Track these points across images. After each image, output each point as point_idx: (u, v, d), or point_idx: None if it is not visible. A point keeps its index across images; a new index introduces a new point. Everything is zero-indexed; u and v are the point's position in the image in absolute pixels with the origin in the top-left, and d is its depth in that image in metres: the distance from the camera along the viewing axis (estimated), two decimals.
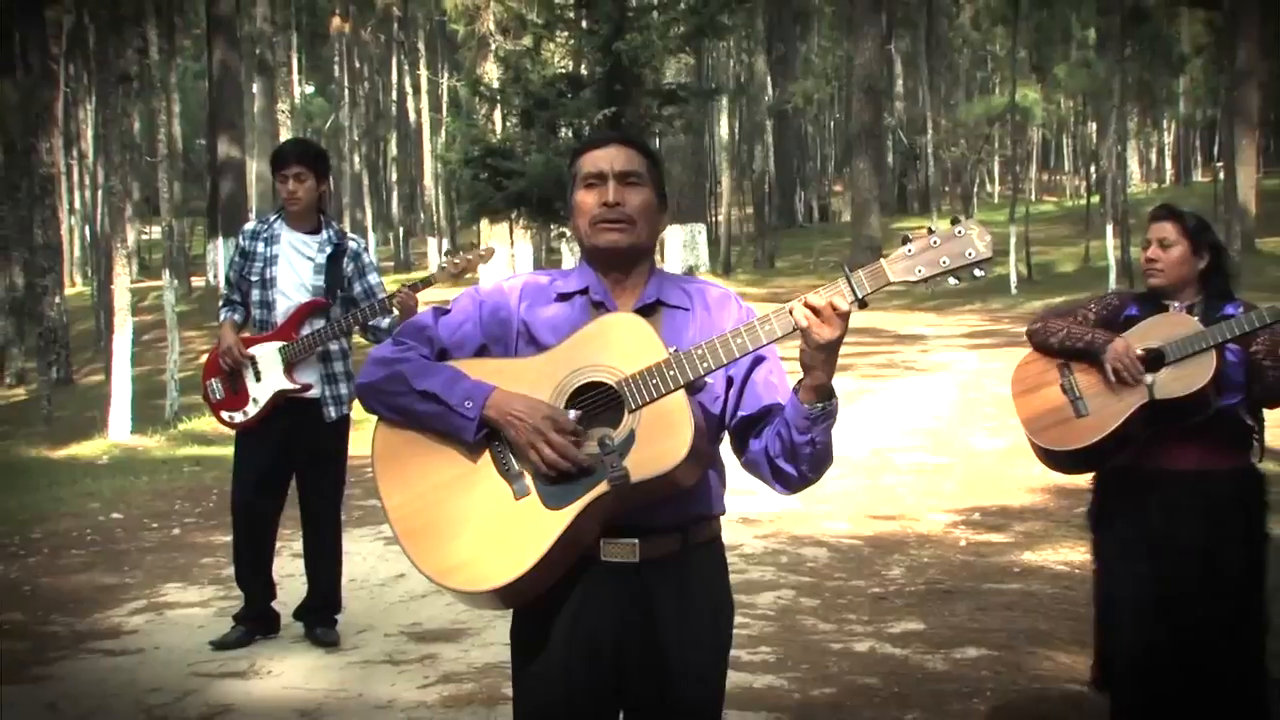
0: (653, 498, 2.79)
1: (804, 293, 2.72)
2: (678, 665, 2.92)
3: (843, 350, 2.79)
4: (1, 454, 16.45)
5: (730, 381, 2.94)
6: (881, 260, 2.72)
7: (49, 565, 8.40)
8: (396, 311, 6.18)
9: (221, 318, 6.52)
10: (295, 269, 6.35)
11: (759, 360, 2.92)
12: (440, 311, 3.05)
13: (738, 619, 6.36)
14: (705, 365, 2.75)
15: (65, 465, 13.81)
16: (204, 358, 6.76)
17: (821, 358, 2.72)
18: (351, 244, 6.50)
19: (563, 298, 2.99)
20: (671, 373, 2.75)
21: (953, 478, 10.48)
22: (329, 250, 6.39)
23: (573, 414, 2.79)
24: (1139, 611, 4.29)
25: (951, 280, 2.70)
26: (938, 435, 12.30)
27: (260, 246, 6.37)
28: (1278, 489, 4.71)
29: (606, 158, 2.97)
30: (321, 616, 6.51)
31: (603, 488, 2.74)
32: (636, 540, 2.87)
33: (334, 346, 6.34)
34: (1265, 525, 4.42)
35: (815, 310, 2.68)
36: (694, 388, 2.81)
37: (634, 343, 2.81)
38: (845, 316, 2.69)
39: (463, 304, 3.03)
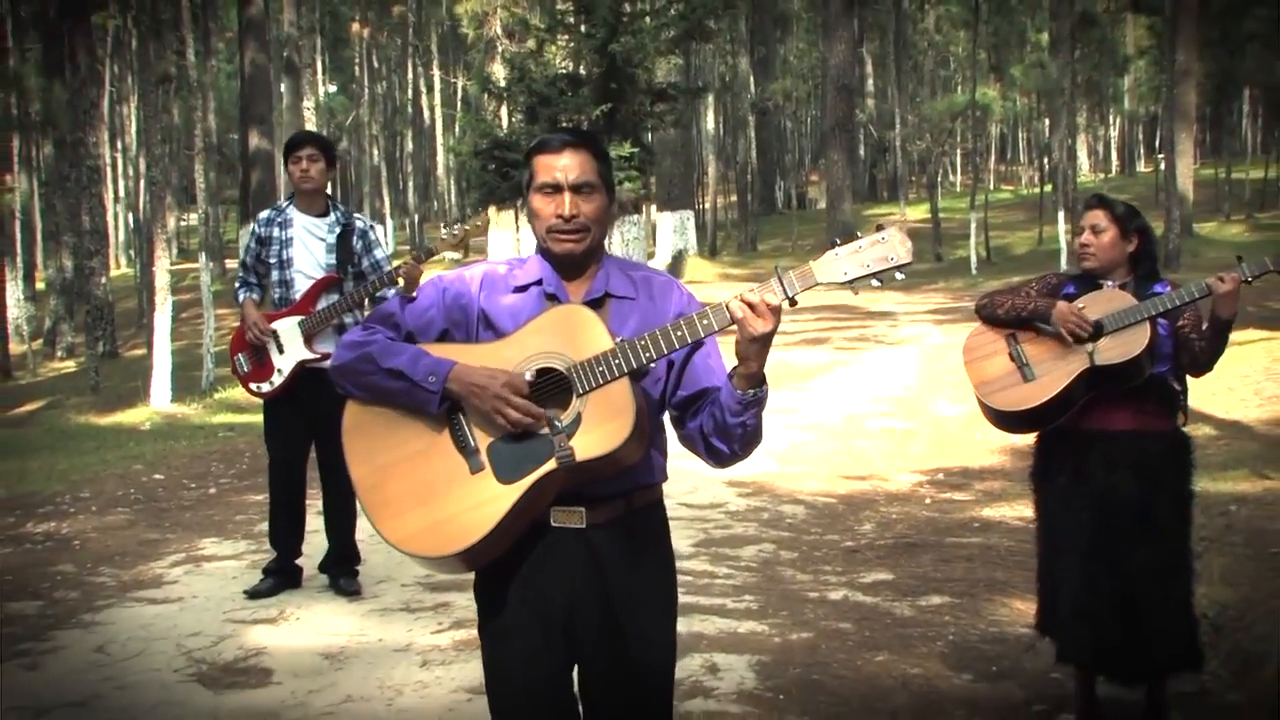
0: (598, 474, 2.79)
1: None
2: (628, 620, 2.92)
3: (819, 324, 2.80)
4: (54, 421, 16.43)
5: (670, 365, 2.93)
6: (810, 263, 2.73)
7: (97, 521, 8.39)
8: (402, 281, 6.14)
9: (240, 298, 6.49)
10: (310, 249, 6.34)
11: (697, 345, 2.89)
12: (407, 299, 3.00)
13: (722, 570, 6.41)
14: (648, 355, 2.75)
15: (111, 431, 13.79)
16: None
17: (755, 349, 2.71)
18: (359, 223, 6.50)
19: (519, 289, 2.95)
20: (616, 361, 2.74)
21: (919, 441, 10.48)
22: (338, 230, 6.39)
23: (528, 374, 2.79)
24: (1082, 558, 4.33)
25: (874, 281, 2.71)
26: (905, 403, 12.30)
27: (276, 231, 6.37)
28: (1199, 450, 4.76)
29: (563, 169, 2.89)
30: (344, 568, 6.53)
31: (551, 465, 2.74)
32: (583, 508, 2.86)
33: (348, 319, 6.32)
34: (1191, 482, 4.48)
35: (751, 306, 2.68)
36: (638, 374, 2.80)
37: (583, 332, 2.80)
38: (777, 312, 2.69)
39: (428, 291, 2.99)
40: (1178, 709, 4.52)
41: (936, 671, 5.15)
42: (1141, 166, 53.17)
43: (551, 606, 2.89)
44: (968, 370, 4.53)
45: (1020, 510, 7.91)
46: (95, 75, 28.96)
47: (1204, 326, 4.36)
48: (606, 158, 3.02)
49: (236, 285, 6.59)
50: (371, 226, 6.58)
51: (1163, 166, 31.60)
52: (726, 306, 2.72)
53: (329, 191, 6.54)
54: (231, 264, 39.48)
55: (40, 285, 36.32)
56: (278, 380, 6.32)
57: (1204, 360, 4.37)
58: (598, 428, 2.74)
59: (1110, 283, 4.44)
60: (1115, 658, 4.33)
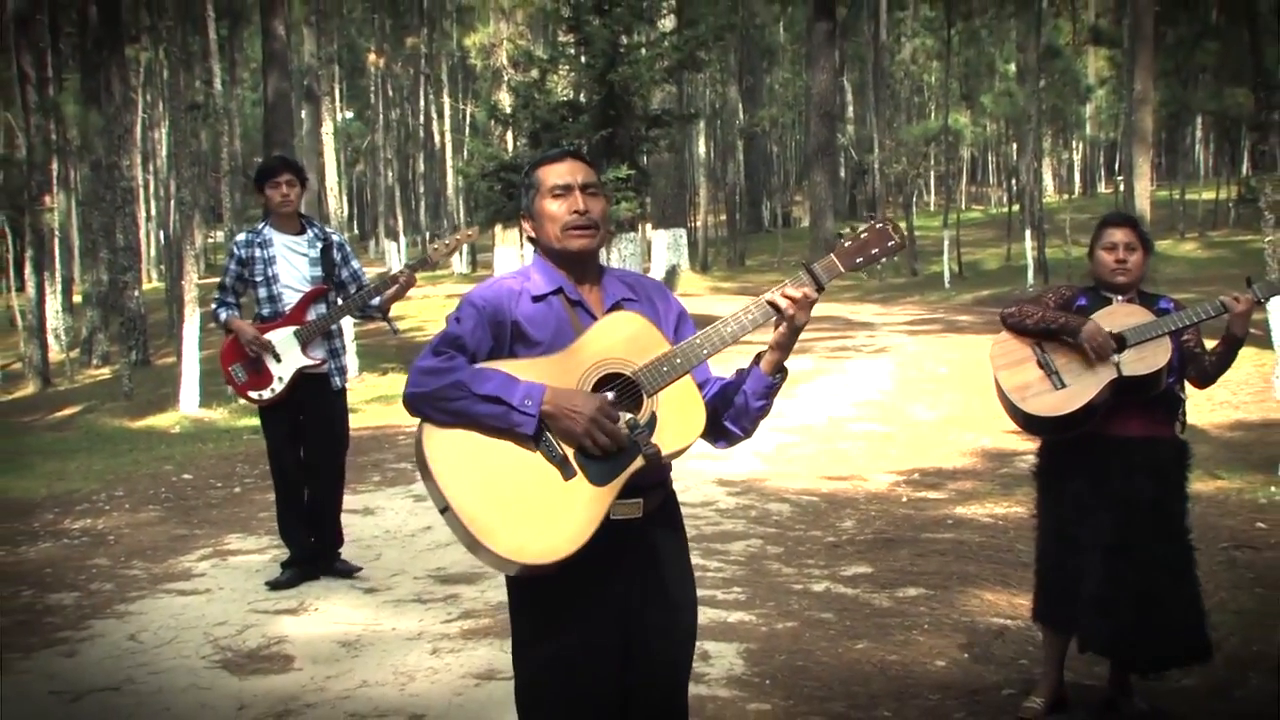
0: (666, 466, 2.82)
1: (770, 285, 2.77)
2: (677, 593, 2.98)
3: (803, 335, 2.85)
4: (90, 424, 16.41)
5: None
6: (831, 255, 2.88)
7: (130, 518, 8.39)
8: (395, 288, 6.25)
9: (223, 316, 6.47)
10: (293, 265, 6.41)
11: None
12: (456, 321, 2.92)
13: (713, 564, 6.41)
14: (705, 352, 2.81)
15: (143, 434, 13.79)
16: None
17: (793, 338, 2.84)
18: (335, 237, 6.58)
19: (537, 298, 2.92)
20: (679, 361, 2.79)
21: (896, 444, 10.48)
22: (319, 245, 6.45)
23: (610, 395, 2.79)
24: (1104, 555, 4.27)
25: (878, 265, 2.87)
26: (884, 407, 12.29)
27: (257, 252, 6.40)
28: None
29: (569, 171, 2.95)
30: (332, 555, 6.62)
31: (639, 463, 2.75)
32: (641, 499, 2.87)
33: (333, 326, 6.41)
34: (1189, 485, 4.50)
35: (793, 300, 2.79)
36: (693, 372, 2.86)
37: (639, 338, 2.83)
38: (813, 304, 2.81)
39: (469, 311, 2.91)
40: (1138, 692, 4.52)
41: (912, 658, 5.15)
42: (1102, 188, 53.11)
43: (609, 597, 2.88)
44: (998, 375, 4.46)
45: (990, 509, 7.92)
46: (129, 103, 28.96)
47: (1207, 343, 4.39)
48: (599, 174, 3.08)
49: (214, 306, 6.54)
50: (344, 240, 6.65)
51: (1122, 188, 31.62)
52: (769, 302, 2.82)
53: (301, 210, 6.62)
54: None
55: (78, 298, 36.24)
56: (279, 387, 6.36)
57: (1213, 373, 4.41)
58: (675, 424, 2.78)
59: (1120, 297, 4.43)
60: (1132, 649, 4.30)
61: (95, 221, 28.69)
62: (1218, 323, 4.39)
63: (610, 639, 2.89)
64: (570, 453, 2.77)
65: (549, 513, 2.75)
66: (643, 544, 2.91)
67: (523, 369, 2.82)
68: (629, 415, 2.77)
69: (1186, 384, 4.48)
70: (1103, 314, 4.37)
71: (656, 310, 3.01)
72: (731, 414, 2.91)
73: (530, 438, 2.76)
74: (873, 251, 2.87)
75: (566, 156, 3.00)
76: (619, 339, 2.83)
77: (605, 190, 3.04)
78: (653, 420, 2.77)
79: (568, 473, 2.76)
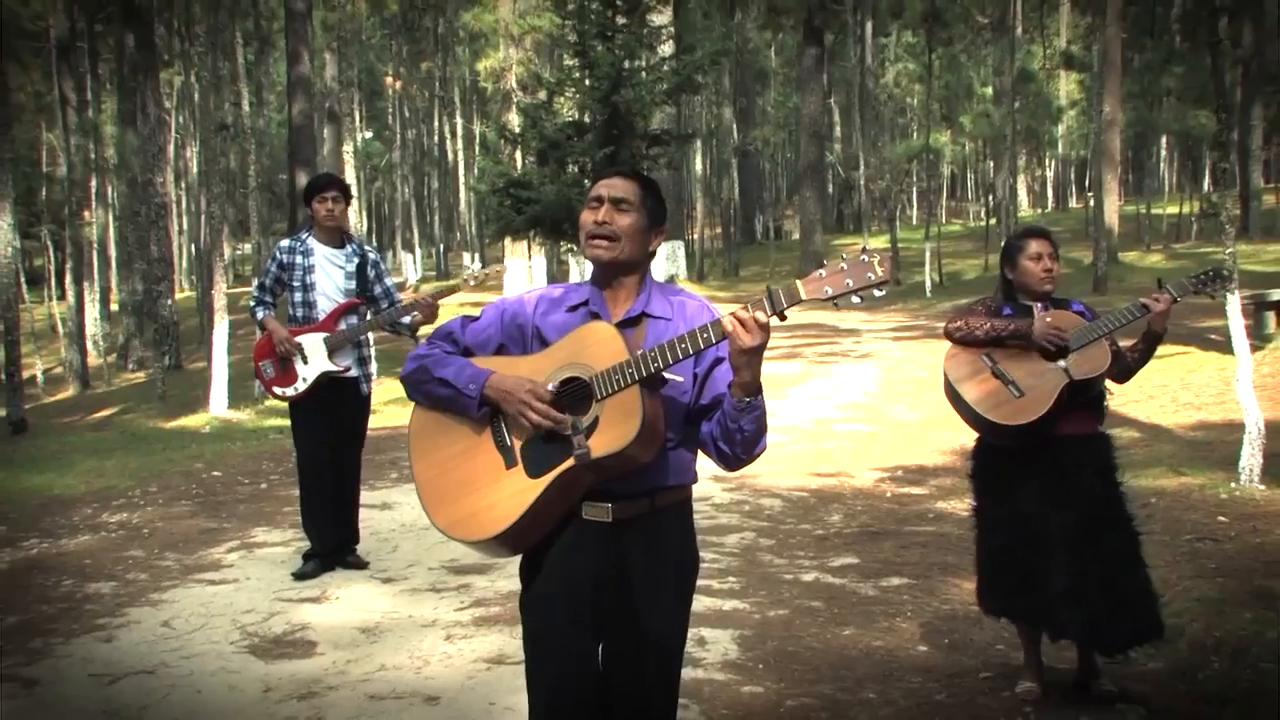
0: (616, 470, 2.78)
1: (763, 294, 2.70)
2: (644, 604, 2.90)
3: (793, 340, 2.80)
4: (126, 425, 16.44)
5: (696, 377, 2.91)
6: (797, 281, 2.67)
7: (163, 513, 8.39)
8: (418, 314, 6.31)
9: (260, 315, 6.53)
10: (330, 276, 6.45)
11: (719, 360, 2.88)
12: (469, 319, 3.05)
13: (709, 555, 6.40)
14: (655, 365, 2.73)
15: (176, 434, 13.79)
16: None
17: (745, 360, 2.67)
18: (371, 255, 6.61)
19: (571, 309, 2.97)
20: (630, 370, 2.74)
21: (880, 443, 10.48)
22: (357, 260, 6.49)
23: (550, 386, 2.82)
24: (1069, 548, 4.24)
25: (855, 299, 2.64)
26: (869, 409, 12.28)
27: (298, 259, 6.43)
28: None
29: (607, 186, 2.95)
30: (347, 548, 6.64)
31: (570, 462, 2.76)
32: (610, 504, 2.86)
33: (361, 337, 6.44)
34: (1121, 474, 4.49)
35: (741, 322, 2.64)
36: (651, 383, 2.78)
37: (605, 346, 2.81)
38: (765, 328, 2.64)
39: (489, 313, 3.04)
40: (1106, 675, 4.52)
41: (896, 644, 5.16)
42: (1073, 203, 53.13)
43: (581, 587, 2.89)
44: (960, 388, 4.41)
45: (969, 503, 7.88)
46: (163, 124, 28.96)
47: (1128, 342, 4.38)
48: (654, 192, 3.00)
49: (252, 304, 6.59)
50: (380, 258, 6.69)
51: (1092, 203, 31.63)
52: (720, 322, 2.70)
53: (344, 225, 6.61)
54: None
55: (115, 306, 36.35)
56: (302, 387, 6.41)
57: (1135, 369, 4.42)
58: (611, 429, 2.74)
59: (1040, 306, 4.43)
60: (1102, 632, 4.28)
61: (131, 235, 28.78)
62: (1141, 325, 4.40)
63: (579, 628, 2.91)
64: (517, 444, 2.84)
65: (484, 496, 2.84)
66: (614, 550, 2.89)
67: (502, 364, 2.92)
68: (577, 416, 2.79)
69: (1107, 380, 4.48)
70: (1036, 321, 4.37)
71: (691, 329, 2.89)
72: (721, 435, 2.83)
73: (483, 423, 2.88)
74: (847, 283, 2.61)
75: (617, 174, 2.99)
76: (587, 346, 2.83)
77: (649, 208, 2.96)
78: (594, 423, 2.77)
79: (509, 461, 2.84)
